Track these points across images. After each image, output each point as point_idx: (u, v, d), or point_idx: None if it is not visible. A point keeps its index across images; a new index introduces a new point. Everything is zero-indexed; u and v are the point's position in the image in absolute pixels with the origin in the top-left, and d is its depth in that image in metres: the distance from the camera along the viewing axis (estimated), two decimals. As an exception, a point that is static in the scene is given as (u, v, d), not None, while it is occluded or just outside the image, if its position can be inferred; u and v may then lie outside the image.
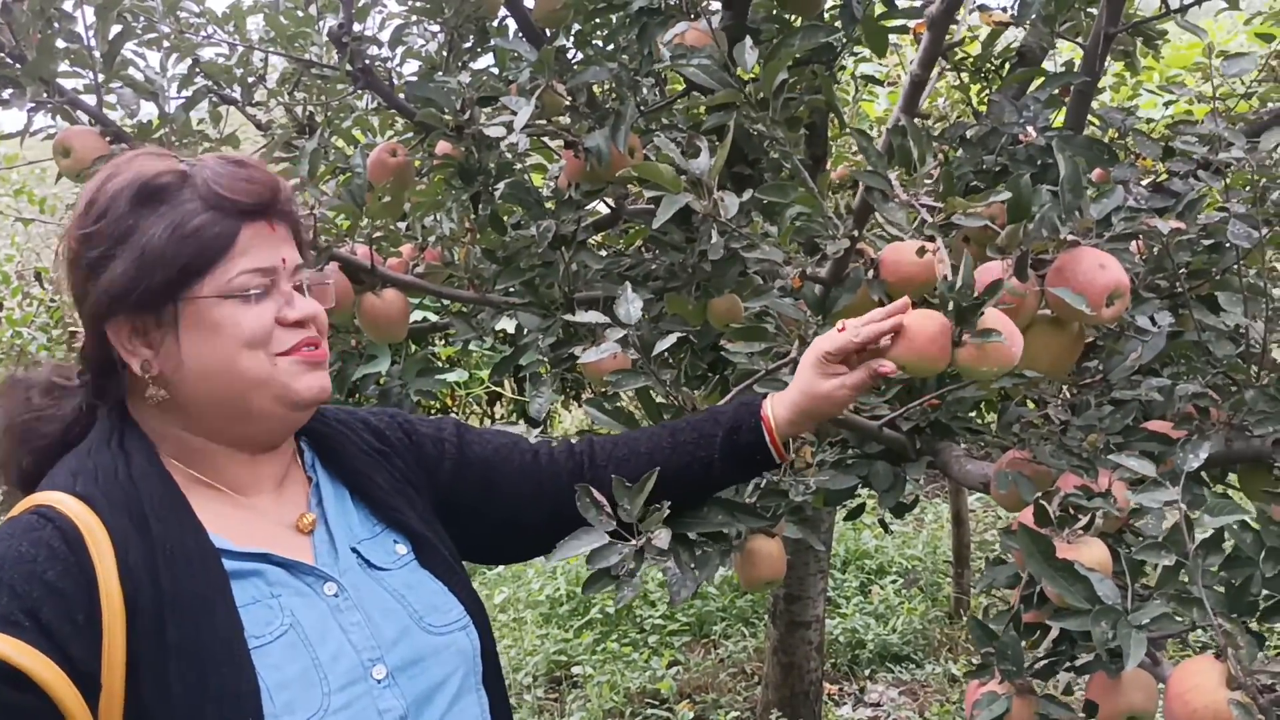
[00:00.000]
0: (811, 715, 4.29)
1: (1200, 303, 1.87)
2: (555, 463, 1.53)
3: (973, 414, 2.48)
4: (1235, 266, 1.87)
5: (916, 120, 1.52)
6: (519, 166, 2.48)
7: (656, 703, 4.71)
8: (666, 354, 1.74)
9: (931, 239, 1.48)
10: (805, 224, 1.63)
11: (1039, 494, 1.47)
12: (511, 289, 2.38)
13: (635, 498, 1.46)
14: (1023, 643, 1.43)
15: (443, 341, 6.55)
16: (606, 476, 1.50)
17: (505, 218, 2.47)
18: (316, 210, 2.06)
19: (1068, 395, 1.90)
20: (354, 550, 1.31)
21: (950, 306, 1.43)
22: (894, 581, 5.81)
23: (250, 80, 3.06)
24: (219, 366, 1.20)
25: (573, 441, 1.59)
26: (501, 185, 2.40)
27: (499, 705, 1.36)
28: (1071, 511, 1.45)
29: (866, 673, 5.04)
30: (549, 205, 2.42)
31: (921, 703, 4.76)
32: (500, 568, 6.42)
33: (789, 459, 1.51)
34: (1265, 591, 1.37)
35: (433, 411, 8.26)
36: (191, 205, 1.19)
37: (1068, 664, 1.42)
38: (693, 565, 1.82)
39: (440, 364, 6.69)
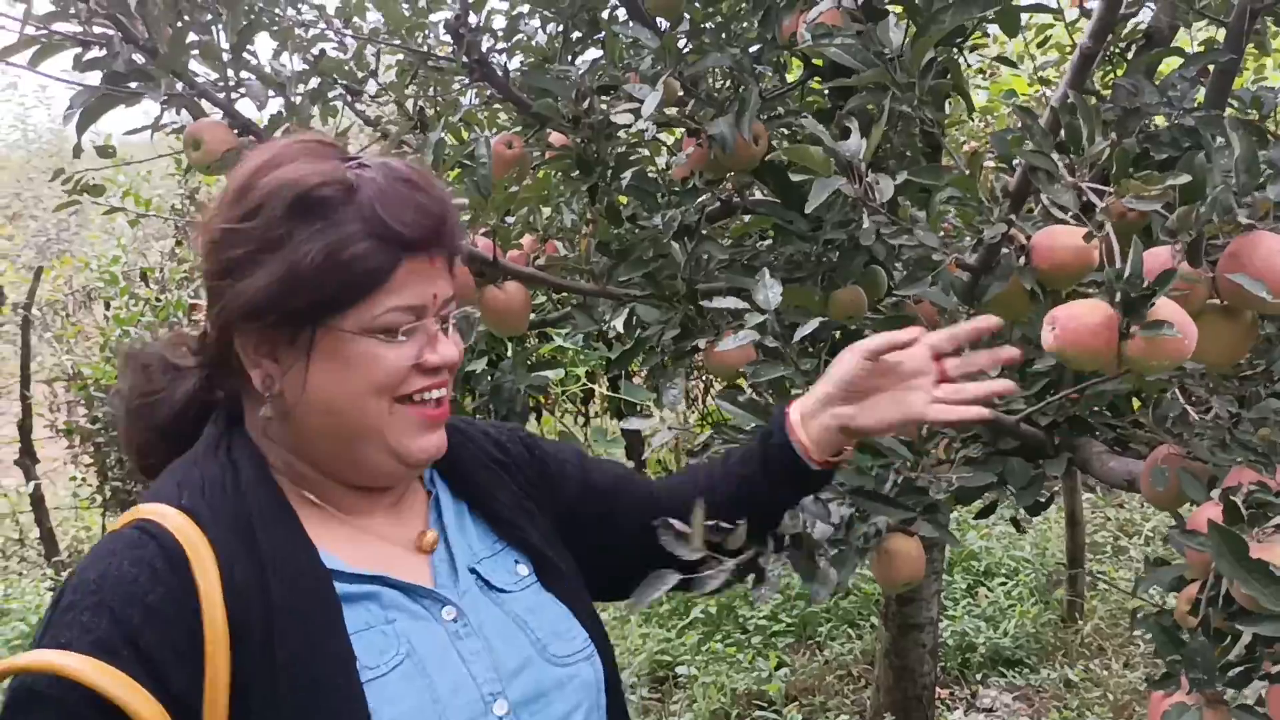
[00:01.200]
0: (924, 719, 4.19)
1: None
2: (665, 499, 1.41)
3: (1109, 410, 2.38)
4: None
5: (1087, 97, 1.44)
6: (636, 157, 2.43)
7: (764, 704, 4.64)
8: (805, 343, 1.68)
9: (1100, 225, 1.39)
10: (959, 208, 1.56)
11: (1225, 489, 1.38)
12: (632, 280, 2.33)
13: (693, 527, 1.31)
14: (1214, 649, 1.33)
15: (537, 338, 6.56)
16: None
17: (620, 209, 2.43)
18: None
19: (1230, 388, 1.80)
20: (473, 570, 1.22)
21: (1118, 296, 1.35)
22: (1003, 584, 5.66)
23: (361, 75, 3.07)
24: (343, 403, 1.12)
25: (678, 478, 1.49)
26: (625, 175, 2.36)
27: None
28: (1260, 509, 1.35)
29: (978, 677, 4.91)
30: (670, 196, 2.37)
31: (1037, 708, 4.63)
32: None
33: (830, 462, 1.36)
34: None
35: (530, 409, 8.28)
36: (353, 228, 1.08)
37: (1262, 673, 1.32)
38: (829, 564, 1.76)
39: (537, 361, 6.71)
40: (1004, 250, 1.66)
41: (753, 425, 1.61)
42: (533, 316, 2.57)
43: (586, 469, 1.42)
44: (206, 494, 1.11)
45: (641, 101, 2.02)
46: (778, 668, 4.88)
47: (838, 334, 2.26)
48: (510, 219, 2.72)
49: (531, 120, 2.77)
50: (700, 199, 2.32)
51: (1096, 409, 2.23)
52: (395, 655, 1.09)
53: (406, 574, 1.16)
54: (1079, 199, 1.39)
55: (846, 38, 1.60)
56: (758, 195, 2.69)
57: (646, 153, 2.47)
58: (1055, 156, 1.41)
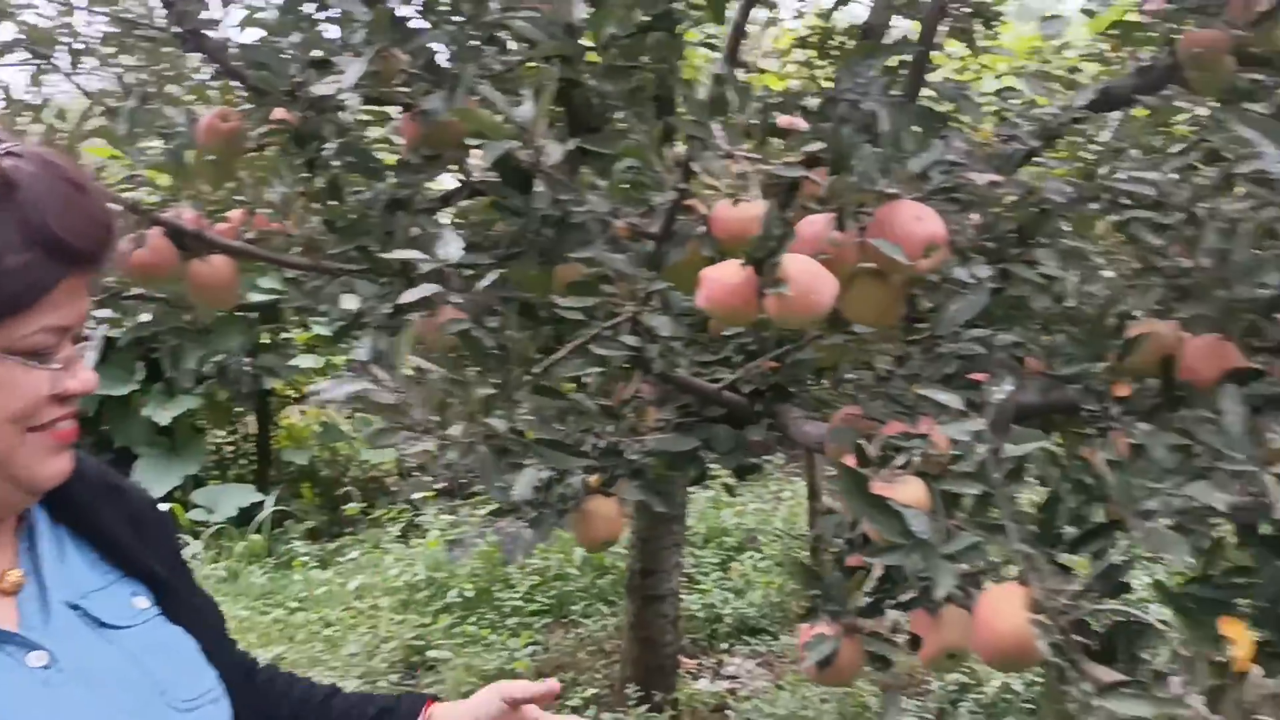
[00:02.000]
0: (667, 689, 4.33)
1: (1022, 260, 1.94)
2: (239, 654, 1.30)
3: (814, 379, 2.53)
4: (1056, 226, 1.94)
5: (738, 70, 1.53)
6: (359, 133, 2.42)
7: (515, 683, 4.68)
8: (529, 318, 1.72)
9: (744, 188, 1.49)
10: (635, 177, 1.63)
11: (852, 435, 1.50)
12: (349, 255, 2.32)
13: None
14: (848, 583, 1.45)
15: (300, 327, 6.39)
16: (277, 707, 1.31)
17: (344, 186, 2.41)
18: (136, 172, 1.97)
19: (895, 350, 1.95)
20: (75, 606, 1.04)
21: (748, 258, 1.45)
22: (751, 557, 5.90)
23: (74, 46, 2.93)
24: None
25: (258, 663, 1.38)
26: (338, 149, 2.34)
27: None
28: (891, 452, 1.48)
29: (724, 646, 5.10)
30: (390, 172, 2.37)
31: (778, 672, 4.85)
32: (356, 552, 6.31)
33: None
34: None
35: (288, 399, 8.05)
36: (13, 235, 0.93)
37: (892, 602, 1.45)
38: (527, 525, 1.82)
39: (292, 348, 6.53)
40: (680, 219, 1.75)
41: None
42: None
43: (188, 569, 1.25)
44: None
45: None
46: (526, 646, 4.93)
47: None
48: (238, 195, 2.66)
49: (254, 94, 2.72)
50: (417, 174, 2.34)
51: (797, 377, 2.36)
52: None
53: None
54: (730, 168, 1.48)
55: (531, 10, 1.65)
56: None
57: (363, 128, 2.45)
58: (714, 127, 1.49)
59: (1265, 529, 1.63)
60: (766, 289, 1.41)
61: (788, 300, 1.41)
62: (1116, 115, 2.44)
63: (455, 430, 1.47)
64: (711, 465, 2.64)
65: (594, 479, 2.01)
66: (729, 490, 2.90)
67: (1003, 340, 1.81)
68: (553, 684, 1.35)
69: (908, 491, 1.44)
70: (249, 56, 2.60)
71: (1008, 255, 1.90)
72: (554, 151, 1.51)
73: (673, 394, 2.37)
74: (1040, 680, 4.32)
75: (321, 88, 2.07)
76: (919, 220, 1.60)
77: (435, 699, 1.37)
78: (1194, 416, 1.36)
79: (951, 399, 1.33)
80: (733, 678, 4.85)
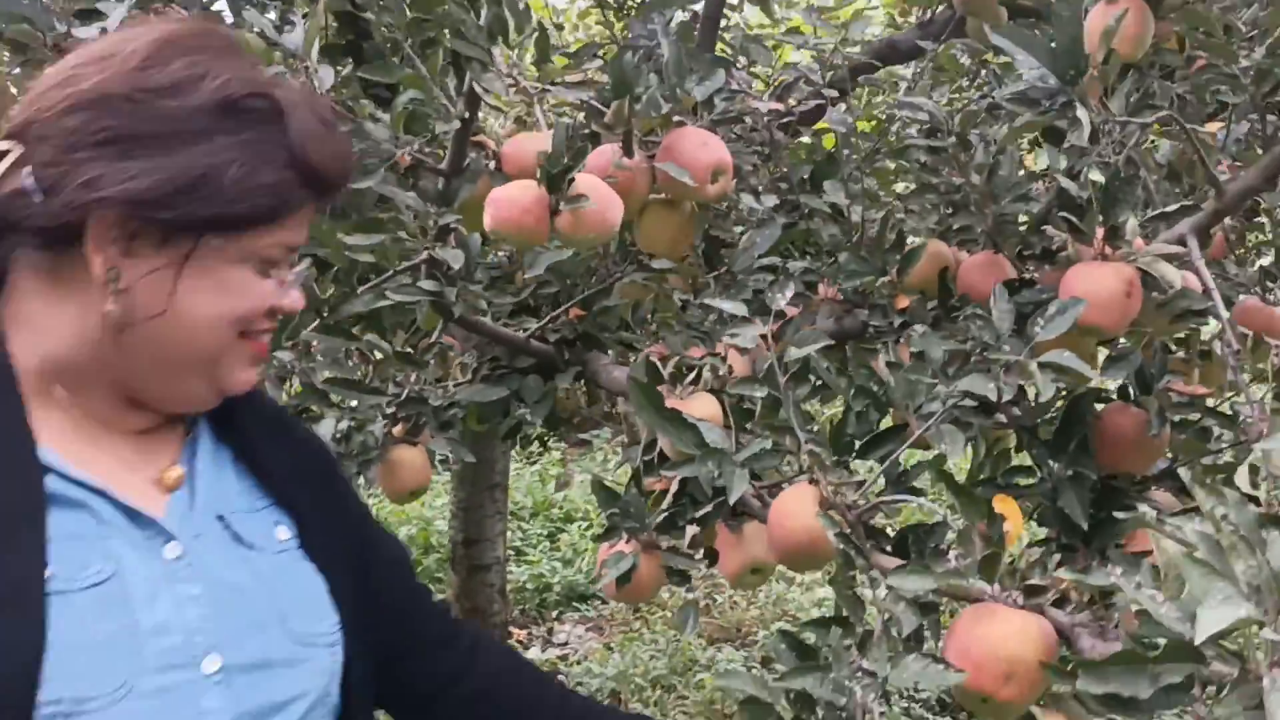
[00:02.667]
0: (498, 658, 4.30)
1: (809, 193, 1.99)
2: (436, 613, 1.32)
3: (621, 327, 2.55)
4: (845, 163, 2.00)
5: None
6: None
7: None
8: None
9: (530, 113, 1.48)
10: (419, 109, 1.60)
11: (655, 356, 1.51)
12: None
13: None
14: (646, 501, 1.46)
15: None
16: (464, 679, 1.29)
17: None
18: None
19: (693, 285, 1.98)
20: (220, 518, 1.08)
21: (540, 174, 1.45)
22: (579, 526, 5.92)
23: None
24: (198, 325, 1.01)
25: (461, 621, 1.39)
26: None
27: None
28: (684, 371, 1.49)
29: (555, 614, 5.11)
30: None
31: (607, 636, 4.88)
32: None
33: None
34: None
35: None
36: (278, 154, 0.99)
37: (690, 518, 1.46)
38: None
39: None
40: (474, 156, 1.73)
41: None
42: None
43: (373, 528, 1.29)
44: None
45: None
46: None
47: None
48: None
49: (14, 48, 2.55)
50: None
51: (604, 325, 2.37)
52: (97, 572, 0.95)
53: (135, 499, 1.02)
54: (510, 89, 1.47)
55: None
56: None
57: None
58: (494, 49, 1.47)
59: (1044, 433, 1.72)
60: (561, 206, 1.40)
61: (583, 217, 1.41)
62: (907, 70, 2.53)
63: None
64: (532, 423, 2.63)
65: (398, 428, 1.97)
66: (543, 444, 2.88)
67: (795, 267, 1.86)
68: None
69: (701, 406, 1.46)
70: (4, 8, 2.45)
71: (800, 194, 1.95)
72: (326, 76, 1.46)
73: (481, 344, 2.34)
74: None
75: (83, 31, 1.95)
76: (704, 146, 1.62)
77: None
78: (963, 317, 1.41)
79: (736, 306, 1.35)
80: (563, 644, 4.86)
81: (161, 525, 1.02)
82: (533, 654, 4.74)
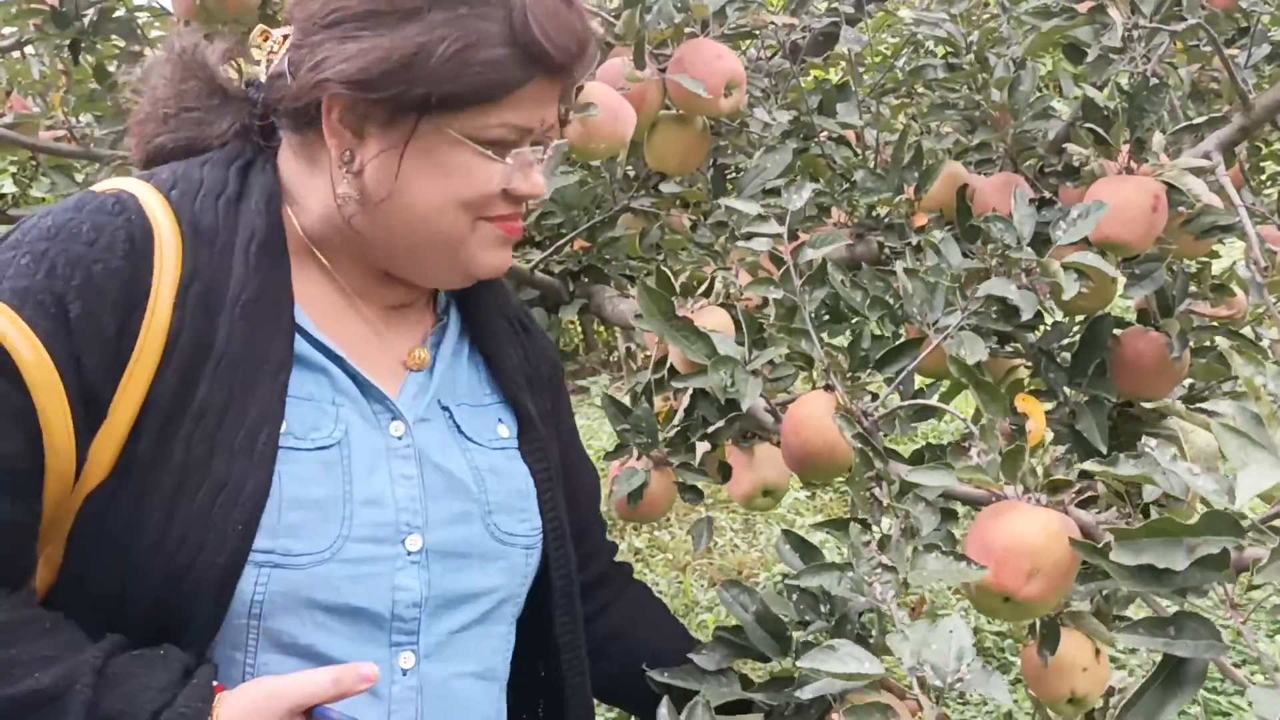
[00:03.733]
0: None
1: (822, 113, 1.94)
2: (604, 541, 1.35)
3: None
4: (855, 89, 1.96)
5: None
6: (119, 12, 2.25)
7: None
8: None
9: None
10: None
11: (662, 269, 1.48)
12: (118, 140, 2.17)
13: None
14: (657, 416, 1.43)
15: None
16: (612, 609, 1.31)
17: (110, 67, 2.25)
18: None
19: (701, 210, 1.94)
20: (445, 408, 1.10)
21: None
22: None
23: None
24: (426, 209, 1.01)
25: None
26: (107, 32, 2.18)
27: (556, 654, 1.15)
28: (696, 283, 1.46)
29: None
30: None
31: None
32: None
33: None
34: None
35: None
36: (497, 29, 0.97)
37: (701, 434, 1.43)
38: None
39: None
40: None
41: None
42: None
43: (580, 454, 1.31)
44: (200, 199, 1.00)
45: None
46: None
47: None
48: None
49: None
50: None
51: (609, 257, 2.33)
52: (327, 435, 0.98)
53: (373, 373, 1.05)
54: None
55: None
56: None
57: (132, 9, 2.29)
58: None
59: (1062, 358, 1.69)
60: (571, 114, 1.36)
61: (594, 124, 1.37)
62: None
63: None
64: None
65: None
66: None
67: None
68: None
69: (712, 319, 1.42)
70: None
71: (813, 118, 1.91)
72: None
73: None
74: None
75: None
76: (719, 57, 1.58)
77: None
78: (988, 219, 1.37)
79: (750, 205, 1.31)
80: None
81: (391, 403, 1.05)
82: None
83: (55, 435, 0.89)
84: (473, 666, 1.07)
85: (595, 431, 6.46)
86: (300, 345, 1.01)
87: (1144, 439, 0.89)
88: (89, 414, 0.90)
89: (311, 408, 0.99)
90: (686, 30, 1.60)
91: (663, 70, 1.60)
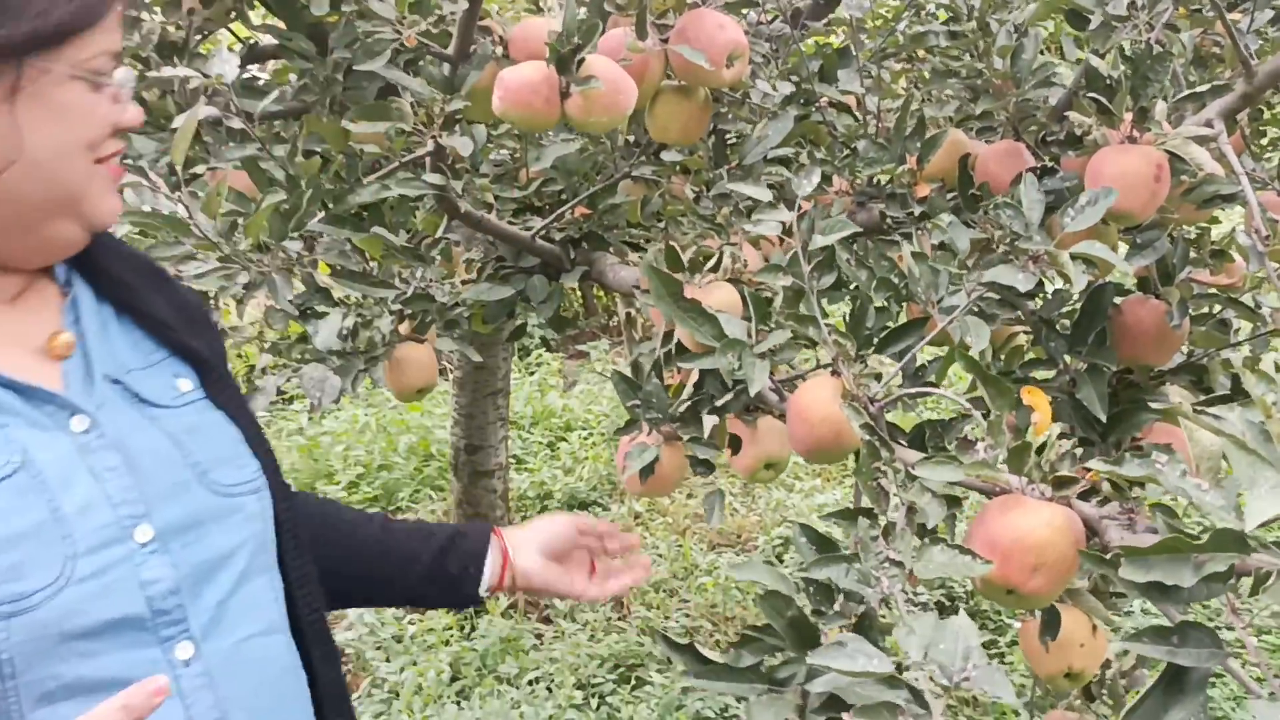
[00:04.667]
0: (501, 562, 4.32)
1: (823, 79, 1.93)
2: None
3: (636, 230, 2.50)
4: (856, 55, 1.93)
5: None
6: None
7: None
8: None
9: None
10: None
11: (670, 245, 1.48)
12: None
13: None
14: (667, 392, 1.44)
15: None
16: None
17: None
18: None
19: (703, 179, 1.93)
20: (117, 382, 1.03)
21: (550, 54, 1.39)
22: (580, 434, 5.92)
23: None
24: (55, 159, 0.94)
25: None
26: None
27: (299, 590, 1.12)
28: (702, 259, 1.46)
29: (557, 520, 5.13)
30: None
31: (609, 541, 4.90)
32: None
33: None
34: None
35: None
36: None
37: (709, 409, 1.44)
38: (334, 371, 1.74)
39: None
40: (481, 41, 1.66)
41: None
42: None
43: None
44: None
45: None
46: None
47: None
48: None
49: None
50: (191, 17, 2.16)
51: (610, 225, 2.32)
52: (4, 464, 0.90)
53: (25, 375, 0.96)
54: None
55: None
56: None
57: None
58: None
59: (1061, 324, 1.70)
60: (572, 87, 1.35)
61: (595, 97, 1.36)
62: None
63: (244, 247, 1.36)
64: (532, 334, 2.60)
65: (404, 325, 1.93)
66: (547, 345, 2.84)
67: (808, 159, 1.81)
68: (633, 539, 1.39)
69: (719, 295, 1.43)
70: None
71: (807, 80, 1.89)
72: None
73: (485, 243, 2.30)
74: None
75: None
76: (721, 28, 1.57)
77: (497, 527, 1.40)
78: (993, 206, 1.37)
79: (759, 190, 1.30)
80: (565, 549, 4.89)
81: (63, 399, 0.97)
82: (535, 558, 4.77)
83: None
84: (253, 628, 1.04)
85: (595, 396, 6.47)
86: None
87: (1152, 451, 0.89)
88: None
89: None
90: (688, 0, 1.58)
91: (664, 41, 1.59)
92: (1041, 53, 1.73)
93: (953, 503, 1.16)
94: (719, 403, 1.39)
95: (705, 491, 1.74)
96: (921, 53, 1.89)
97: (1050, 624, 1.22)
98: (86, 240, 1.03)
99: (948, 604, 4.07)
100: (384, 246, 1.70)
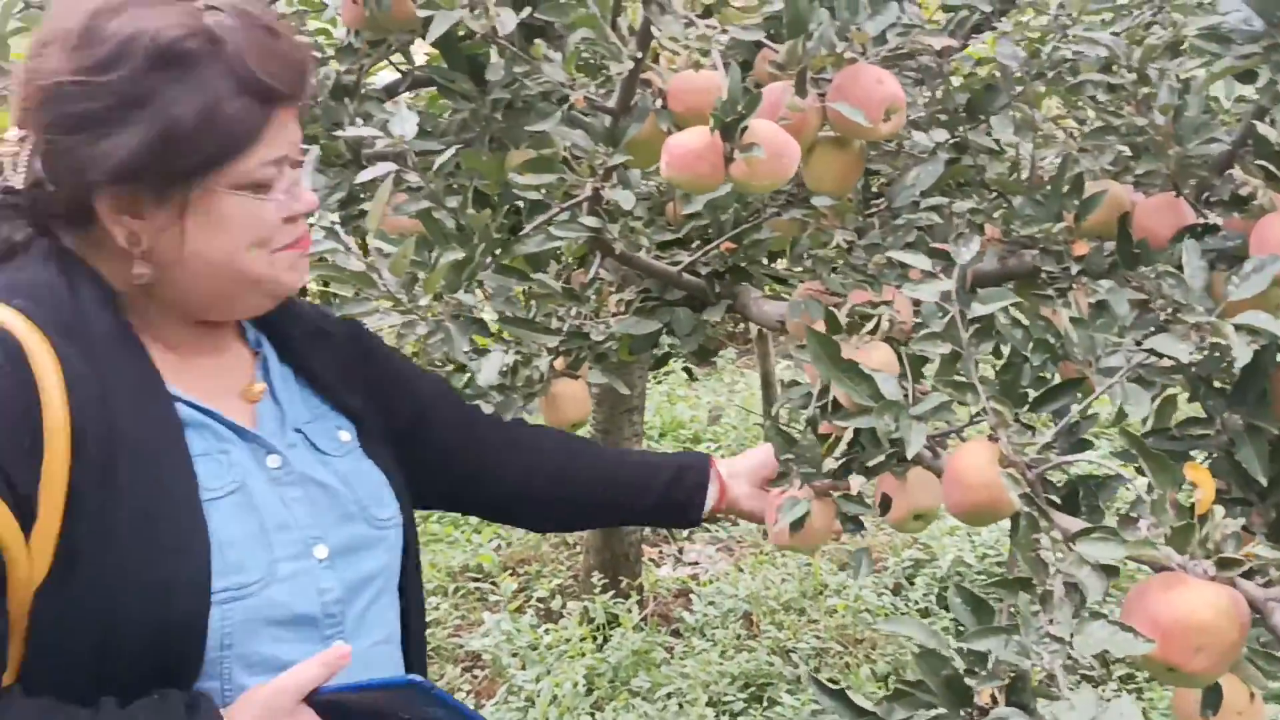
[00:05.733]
0: (632, 575, 4.40)
1: (968, 121, 1.93)
2: (490, 429, 1.56)
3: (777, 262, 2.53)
4: (1009, 96, 1.93)
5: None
6: (298, 23, 2.34)
7: (480, 576, 4.75)
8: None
9: (705, 53, 1.47)
10: (589, 47, 1.60)
11: (827, 306, 1.51)
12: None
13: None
14: (820, 447, 1.47)
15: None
16: (535, 473, 1.55)
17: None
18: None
19: (854, 223, 1.95)
20: (299, 430, 1.25)
21: (714, 122, 1.44)
22: (708, 446, 5.97)
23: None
24: (221, 260, 1.11)
25: (509, 420, 1.64)
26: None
27: (413, 616, 1.33)
28: (858, 319, 1.49)
29: (685, 534, 5.18)
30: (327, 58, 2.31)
31: (737, 557, 4.94)
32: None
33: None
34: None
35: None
36: (224, 84, 1.05)
37: (860, 466, 1.47)
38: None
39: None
40: (641, 93, 1.72)
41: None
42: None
43: (411, 374, 1.48)
44: (40, 301, 1.05)
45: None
46: (490, 541, 4.99)
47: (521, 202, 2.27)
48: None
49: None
50: (359, 59, 2.27)
51: (755, 258, 2.36)
52: (230, 482, 1.12)
53: (235, 415, 1.18)
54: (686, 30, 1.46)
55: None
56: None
57: (301, 19, 2.37)
58: (671, -9, 1.46)
59: (1218, 382, 1.67)
60: (736, 153, 1.39)
61: (757, 164, 1.40)
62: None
63: (424, 302, 1.45)
64: (671, 351, 2.65)
65: (559, 361, 2.01)
66: (689, 375, 2.90)
67: (960, 208, 1.82)
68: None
69: (876, 356, 1.45)
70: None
71: (961, 126, 1.90)
72: (508, 20, 1.47)
73: (632, 277, 2.36)
74: (992, 553, 4.44)
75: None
76: (879, 83, 1.59)
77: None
78: (1153, 272, 1.37)
79: (921, 260, 1.33)
80: (694, 564, 4.94)
81: (264, 440, 1.19)
82: (663, 572, 4.83)
83: (11, 548, 0.98)
84: (378, 635, 1.24)
85: (723, 407, 6.47)
86: (182, 410, 1.12)
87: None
88: (24, 518, 0.99)
89: (210, 461, 1.12)
90: (846, 56, 1.60)
91: (822, 96, 1.62)
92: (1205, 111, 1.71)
93: (1111, 572, 1.17)
94: (870, 462, 1.41)
95: (861, 542, 1.76)
96: (1079, 101, 1.87)
97: (1212, 700, 1.22)
98: (273, 304, 1.21)
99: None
100: (544, 289, 1.77)
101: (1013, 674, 1.16)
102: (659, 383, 7.13)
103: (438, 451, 1.48)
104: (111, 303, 1.11)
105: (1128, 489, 1.37)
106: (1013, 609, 1.12)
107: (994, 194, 1.99)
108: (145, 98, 1.03)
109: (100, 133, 1.03)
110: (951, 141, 1.85)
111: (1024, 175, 1.80)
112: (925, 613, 4.17)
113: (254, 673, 1.09)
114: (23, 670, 1.02)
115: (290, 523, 1.15)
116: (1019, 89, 1.82)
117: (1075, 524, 1.21)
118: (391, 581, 1.29)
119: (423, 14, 1.49)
